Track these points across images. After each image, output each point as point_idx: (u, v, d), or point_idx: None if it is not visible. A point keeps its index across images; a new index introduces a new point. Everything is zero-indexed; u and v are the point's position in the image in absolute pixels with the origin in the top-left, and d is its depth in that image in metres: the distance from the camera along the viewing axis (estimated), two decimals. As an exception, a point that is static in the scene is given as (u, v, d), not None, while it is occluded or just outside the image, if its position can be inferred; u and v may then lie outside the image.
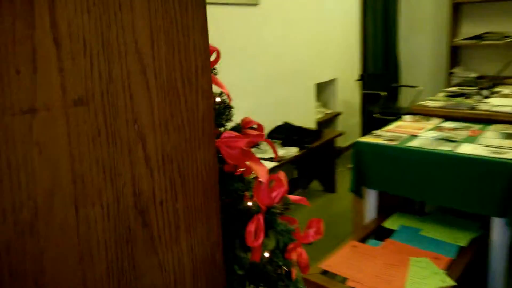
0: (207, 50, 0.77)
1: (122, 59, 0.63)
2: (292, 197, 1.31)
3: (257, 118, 4.12)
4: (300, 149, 3.57)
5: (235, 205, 1.13)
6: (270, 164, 3.27)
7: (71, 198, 0.59)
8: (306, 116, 4.31)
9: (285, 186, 1.19)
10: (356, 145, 2.67)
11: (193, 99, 0.75)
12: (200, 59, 0.76)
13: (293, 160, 3.54)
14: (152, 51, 0.67)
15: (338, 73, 4.76)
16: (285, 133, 3.75)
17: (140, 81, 0.66)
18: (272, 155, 3.45)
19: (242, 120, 1.26)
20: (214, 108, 1.19)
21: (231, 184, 1.11)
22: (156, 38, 0.68)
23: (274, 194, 1.16)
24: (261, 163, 1.23)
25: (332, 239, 3.07)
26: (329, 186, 4.05)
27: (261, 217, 1.12)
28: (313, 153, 3.81)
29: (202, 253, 0.80)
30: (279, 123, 3.88)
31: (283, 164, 3.38)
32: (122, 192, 0.65)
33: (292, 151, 3.48)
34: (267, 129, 3.80)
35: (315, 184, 4.14)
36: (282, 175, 1.29)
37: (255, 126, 1.26)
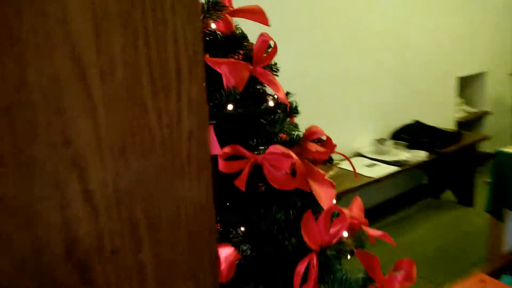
0: (198, 41, 0.54)
1: (42, 58, 0.45)
2: (372, 231, 1.01)
3: (376, 115, 3.60)
4: (430, 154, 3.09)
5: (280, 240, 0.88)
6: (390, 168, 2.88)
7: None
8: (443, 115, 3.74)
9: (348, 221, 0.89)
10: (498, 155, 2.19)
11: (172, 112, 0.54)
12: (186, 55, 0.54)
13: (421, 165, 3.08)
14: (97, 44, 0.48)
15: (487, 65, 4.04)
16: (413, 134, 3.28)
17: (76, 88, 0.48)
18: (395, 157, 3.05)
19: (307, 130, 0.99)
20: (270, 111, 0.96)
21: (275, 211, 0.87)
22: (104, 23, 0.48)
23: (333, 230, 0.88)
24: (327, 184, 0.96)
25: (457, 264, 2.59)
26: (466, 199, 3.45)
27: (314, 258, 0.86)
28: (448, 158, 3.27)
29: (186, 318, 0.59)
30: (408, 121, 3.42)
31: (406, 169, 2.96)
32: (45, 240, 0.48)
33: (419, 155, 3.03)
34: (392, 127, 3.36)
35: (448, 194, 3.58)
36: (356, 203, 1.00)
37: (323, 137, 0.99)
